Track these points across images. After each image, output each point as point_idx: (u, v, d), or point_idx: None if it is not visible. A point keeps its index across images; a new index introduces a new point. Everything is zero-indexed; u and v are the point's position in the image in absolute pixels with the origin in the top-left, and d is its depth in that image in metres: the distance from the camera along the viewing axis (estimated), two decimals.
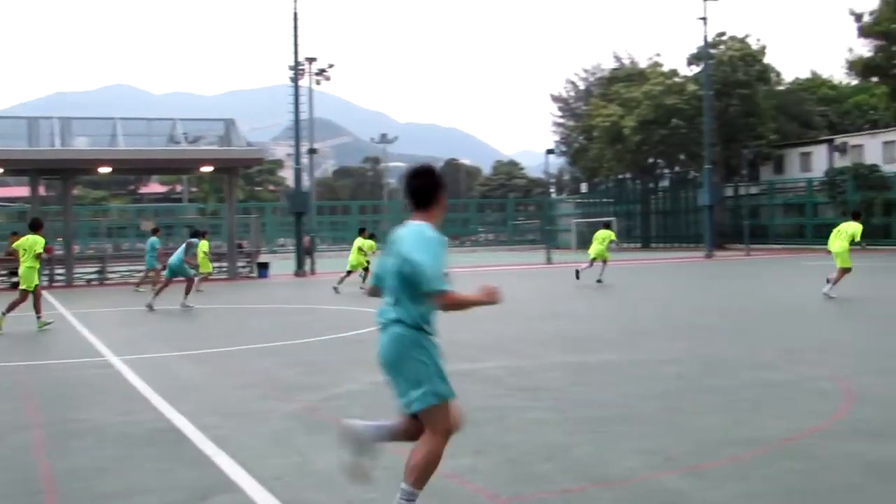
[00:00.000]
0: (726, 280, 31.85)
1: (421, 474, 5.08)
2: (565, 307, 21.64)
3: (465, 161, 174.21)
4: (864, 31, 55.90)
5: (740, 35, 73.13)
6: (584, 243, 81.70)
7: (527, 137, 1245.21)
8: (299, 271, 41.07)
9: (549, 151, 67.69)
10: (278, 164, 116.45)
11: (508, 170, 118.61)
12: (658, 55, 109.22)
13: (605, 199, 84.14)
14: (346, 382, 10.69)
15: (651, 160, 79.05)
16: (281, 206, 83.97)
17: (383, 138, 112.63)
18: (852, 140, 68.42)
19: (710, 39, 59.57)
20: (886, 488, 5.95)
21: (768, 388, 9.59)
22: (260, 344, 14.79)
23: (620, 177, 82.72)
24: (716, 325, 16.50)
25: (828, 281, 21.59)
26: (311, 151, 54.05)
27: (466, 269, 38.68)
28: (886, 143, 64.96)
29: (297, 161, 44.78)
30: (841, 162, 65.92)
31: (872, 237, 59.24)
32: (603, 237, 30.72)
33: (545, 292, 27.22)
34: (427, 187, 5.24)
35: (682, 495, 5.88)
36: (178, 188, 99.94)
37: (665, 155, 76.66)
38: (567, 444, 7.29)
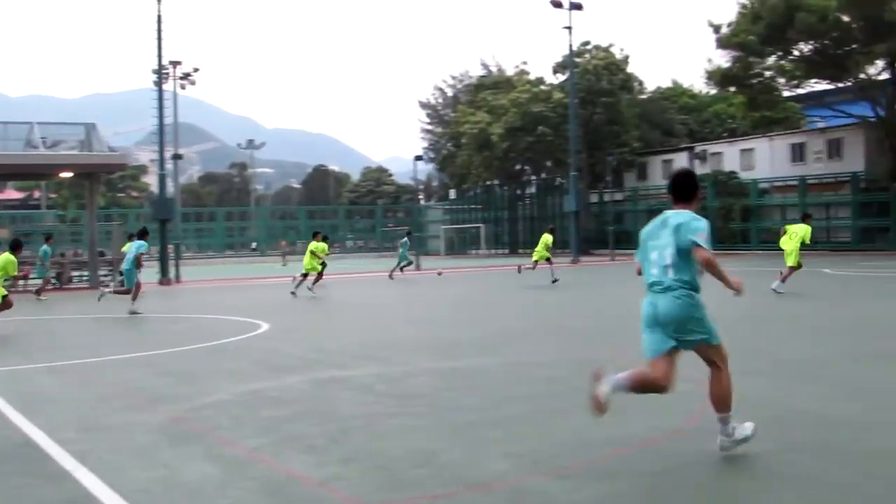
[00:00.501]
0: (593, 285, 32.47)
1: (729, 400, 6.97)
2: (436, 313, 21.72)
3: (334, 167, 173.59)
4: (723, 43, 57.72)
5: (604, 44, 74.88)
6: (453, 249, 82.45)
7: (395, 144, 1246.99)
8: (164, 279, 40.23)
9: (418, 158, 67.87)
10: (142, 169, 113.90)
11: (377, 176, 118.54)
12: (525, 63, 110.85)
13: (473, 206, 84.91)
14: (214, 392, 10.50)
15: (518, 167, 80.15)
16: (145, 213, 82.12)
17: (250, 144, 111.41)
18: (712, 148, 70.66)
19: (575, 48, 60.71)
20: (741, 486, 6.17)
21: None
22: (124, 354, 14.41)
23: (488, 183, 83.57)
24: (585, 328, 16.81)
25: (781, 276, 24.00)
26: (176, 157, 53.04)
27: (335, 277, 38.51)
28: (744, 150, 67.31)
29: (162, 167, 43.84)
30: (701, 169, 67.90)
31: (731, 242, 61.44)
32: (545, 240, 32.56)
33: (415, 298, 27.27)
34: (689, 185, 7.13)
35: (549, 497, 5.97)
36: (37, 194, 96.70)
37: (532, 162, 77.84)
38: (437, 450, 7.32)
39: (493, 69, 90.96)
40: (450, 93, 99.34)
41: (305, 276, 29.03)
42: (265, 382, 11.14)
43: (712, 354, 7.05)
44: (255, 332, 17.22)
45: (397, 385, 10.74)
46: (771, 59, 58.28)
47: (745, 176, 64.19)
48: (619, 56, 73.89)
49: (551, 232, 33.77)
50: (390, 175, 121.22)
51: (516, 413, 8.78)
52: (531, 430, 7.98)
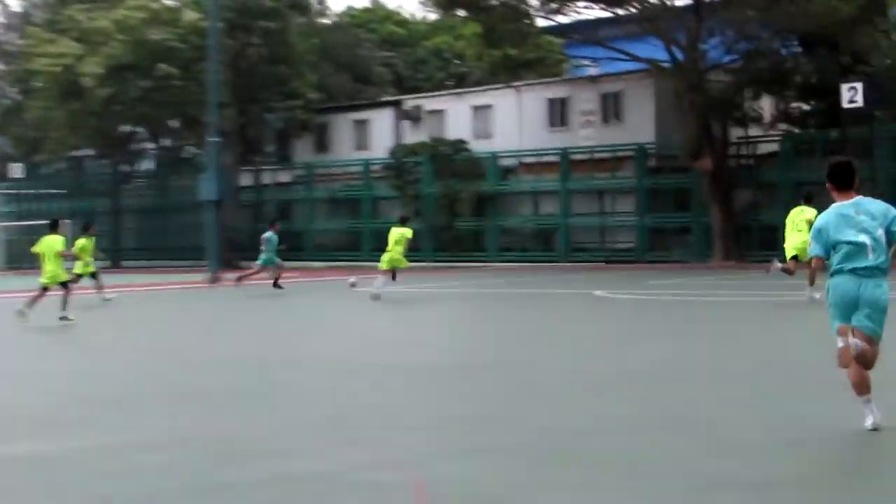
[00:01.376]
0: (244, 317, 32.46)
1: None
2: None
3: None
4: None
5: None
6: (16, 259, 79.87)
7: None
8: None
9: None
10: None
11: None
12: None
13: (52, 191, 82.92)
14: None
15: (127, 128, 79.02)
16: None
17: None
18: (429, 103, 71.92)
19: None
20: None
21: (300, 484, 9.86)
22: None
23: (78, 154, 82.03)
24: (229, 387, 16.69)
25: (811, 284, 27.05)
26: None
27: None
28: (478, 108, 68.94)
29: None
30: (414, 135, 69.08)
31: (456, 249, 63.02)
32: (398, 238, 34.91)
33: None
34: (853, 173, 11.33)
35: None
36: None
37: (149, 120, 76.88)
38: None
39: None
40: (17, 7, 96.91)
41: (68, 284, 29.32)
42: None
43: (877, 343, 11.11)
44: None
45: None
46: None
47: (479, 147, 65.79)
48: None
49: (403, 222, 36.07)
50: None
51: None
52: None
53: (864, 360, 10.92)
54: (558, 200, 62.20)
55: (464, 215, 64.08)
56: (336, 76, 78.02)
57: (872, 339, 10.99)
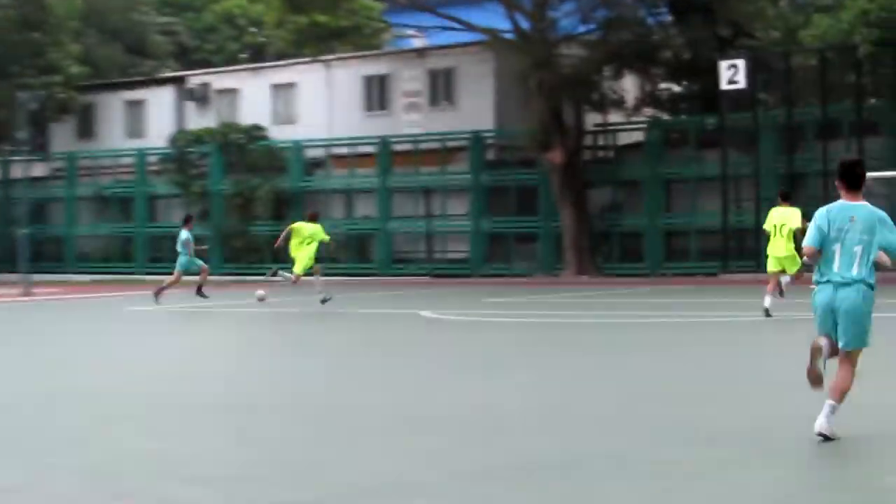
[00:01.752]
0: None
1: (844, 395, 12.59)
2: None
3: None
4: None
5: None
6: None
7: None
8: None
9: None
10: None
11: None
12: None
13: None
14: None
15: None
16: None
17: None
18: (219, 81, 71.44)
19: None
20: None
21: None
22: None
23: None
24: None
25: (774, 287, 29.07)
26: None
27: None
28: (278, 87, 68.68)
29: None
30: (200, 120, 68.56)
31: (252, 259, 62.71)
32: (313, 236, 36.39)
33: None
34: (862, 174, 12.94)
35: None
36: None
37: None
38: None
39: None
40: None
41: None
42: None
43: (856, 355, 12.89)
44: None
45: None
46: None
47: (279, 134, 65.43)
48: None
49: (313, 219, 37.74)
50: None
51: None
52: None
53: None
54: (376, 200, 62.19)
55: (261, 218, 63.64)
56: (105, 46, 77.23)
57: (850, 352, 12.76)
